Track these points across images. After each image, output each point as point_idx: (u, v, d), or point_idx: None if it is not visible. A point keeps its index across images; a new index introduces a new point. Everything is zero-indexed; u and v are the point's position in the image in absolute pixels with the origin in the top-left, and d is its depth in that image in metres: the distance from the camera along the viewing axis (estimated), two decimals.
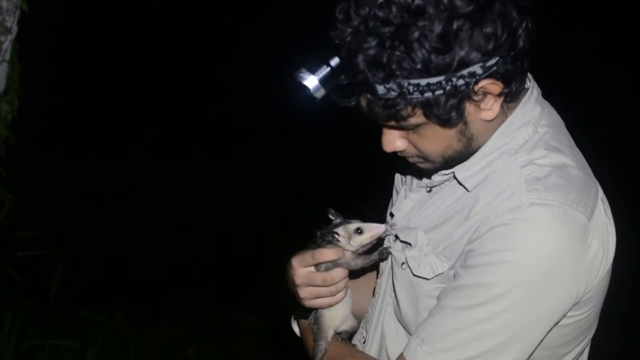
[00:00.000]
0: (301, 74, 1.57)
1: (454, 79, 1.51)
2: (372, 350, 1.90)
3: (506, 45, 1.53)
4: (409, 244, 1.77)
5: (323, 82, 1.57)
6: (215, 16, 9.86)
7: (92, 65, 9.20)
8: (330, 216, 1.82)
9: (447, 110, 1.55)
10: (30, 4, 3.60)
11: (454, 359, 1.60)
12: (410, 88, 1.51)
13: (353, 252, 1.80)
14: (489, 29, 1.51)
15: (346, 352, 1.86)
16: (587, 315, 1.70)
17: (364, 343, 1.93)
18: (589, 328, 1.76)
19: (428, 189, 1.80)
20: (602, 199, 1.68)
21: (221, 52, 9.62)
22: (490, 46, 1.51)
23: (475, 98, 1.57)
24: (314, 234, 1.83)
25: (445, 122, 1.58)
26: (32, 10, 3.59)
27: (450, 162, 1.69)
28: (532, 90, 1.72)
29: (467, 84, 1.53)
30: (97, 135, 8.30)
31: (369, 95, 1.56)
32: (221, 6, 9.71)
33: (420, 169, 1.75)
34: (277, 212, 7.06)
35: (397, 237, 1.83)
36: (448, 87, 1.52)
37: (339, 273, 1.80)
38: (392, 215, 1.99)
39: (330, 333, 1.88)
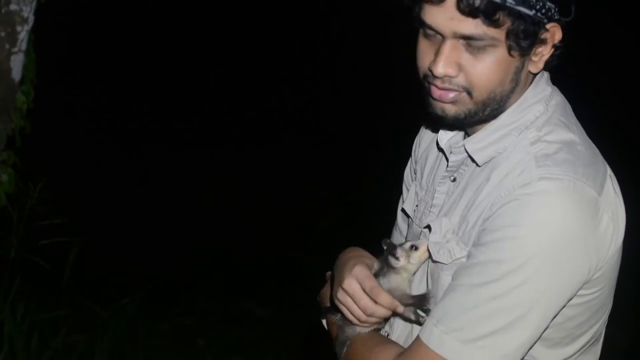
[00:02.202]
0: None
1: (540, 4, 1.60)
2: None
3: (563, 6, 1.63)
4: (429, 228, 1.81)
5: None
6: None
7: (109, 56, 9.22)
8: (384, 245, 1.85)
9: (526, 34, 1.61)
10: None
11: (469, 336, 1.61)
12: None
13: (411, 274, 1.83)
14: None
15: (375, 342, 1.85)
16: (598, 295, 1.72)
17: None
18: (602, 309, 1.78)
19: (452, 178, 1.82)
20: (610, 176, 1.71)
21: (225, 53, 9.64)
22: None
23: (542, 37, 1.64)
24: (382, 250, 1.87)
25: (517, 48, 1.62)
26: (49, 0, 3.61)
27: (488, 105, 1.70)
28: (543, 72, 1.77)
29: (546, 16, 1.61)
30: (111, 127, 8.34)
31: None
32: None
33: (445, 117, 1.75)
34: (286, 205, 7.09)
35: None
36: (537, 11, 1.60)
37: (381, 312, 1.81)
38: (403, 211, 2.03)
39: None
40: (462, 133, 1.85)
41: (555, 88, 1.79)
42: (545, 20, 1.61)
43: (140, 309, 5.10)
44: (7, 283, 4.25)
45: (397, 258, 1.81)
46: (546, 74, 1.78)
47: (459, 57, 1.66)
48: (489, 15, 1.59)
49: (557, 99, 1.76)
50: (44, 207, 4.08)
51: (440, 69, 1.66)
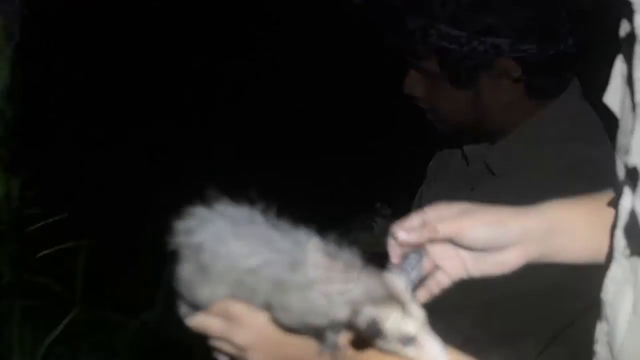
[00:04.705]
0: None
1: (475, 42, 1.61)
2: None
3: (541, 35, 1.61)
4: None
5: None
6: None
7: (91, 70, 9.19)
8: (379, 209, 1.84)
9: (458, 70, 1.66)
10: None
11: None
12: (432, 30, 1.62)
13: None
14: (528, 12, 1.60)
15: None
16: None
17: None
18: None
19: (470, 187, 1.85)
20: None
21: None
22: (523, 27, 1.60)
23: (492, 72, 1.67)
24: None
25: (453, 81, 1.69)
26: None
27: (463, 129, 1.79)
28: (572, 85, 1.77)
29: (486, 52, 1.63)
30: (104, 119, 8.17)
31: (396, 23, 1.65)
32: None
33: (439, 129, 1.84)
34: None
35: None
36: (465, 47, 1.61)
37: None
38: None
39: None
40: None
41: (584, 101, 1.77)
42: (487, 56, 1.63)
43: (160, 323, 4.56)
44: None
45: None
46: (575, 88, 1.76)
47: (422, 81, 1.78)
48: (407, 52, 1.70)
49: (581, 110, 1.76)
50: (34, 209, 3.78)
51: (404, 89, 1.82)
